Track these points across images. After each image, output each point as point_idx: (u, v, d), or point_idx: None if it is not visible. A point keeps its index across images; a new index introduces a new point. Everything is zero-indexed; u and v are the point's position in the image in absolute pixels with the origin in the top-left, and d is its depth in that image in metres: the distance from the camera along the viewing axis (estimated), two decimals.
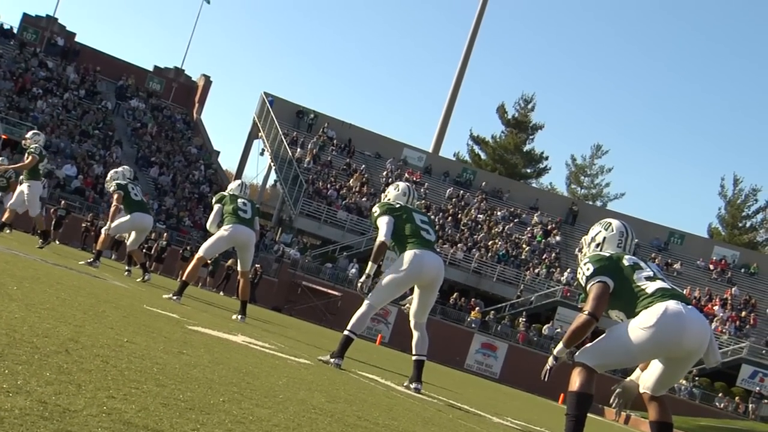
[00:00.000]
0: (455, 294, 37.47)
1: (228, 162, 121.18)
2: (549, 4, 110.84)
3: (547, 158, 64.27)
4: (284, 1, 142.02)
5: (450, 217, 43.12)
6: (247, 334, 6.95)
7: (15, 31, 44.25)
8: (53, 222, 28.92)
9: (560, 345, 4.68)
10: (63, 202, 31.13)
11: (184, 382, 2.96)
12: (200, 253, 10.21)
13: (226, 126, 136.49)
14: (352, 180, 43.68)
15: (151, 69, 48.01)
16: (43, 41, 44.02)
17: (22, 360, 2.44)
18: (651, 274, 4.73)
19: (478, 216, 44.05)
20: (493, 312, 37.14)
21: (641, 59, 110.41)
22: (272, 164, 45.14)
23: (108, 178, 13.55)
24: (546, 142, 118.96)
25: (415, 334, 7.06)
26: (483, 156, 63.44)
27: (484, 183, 46.71)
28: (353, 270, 36.60)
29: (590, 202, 59.98)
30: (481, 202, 45.11)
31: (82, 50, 45.34)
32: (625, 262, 4.74)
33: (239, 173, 51.69)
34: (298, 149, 44.01)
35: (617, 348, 4.57)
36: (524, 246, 42.59)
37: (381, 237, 6.95)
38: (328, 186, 42.36)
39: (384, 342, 31.09)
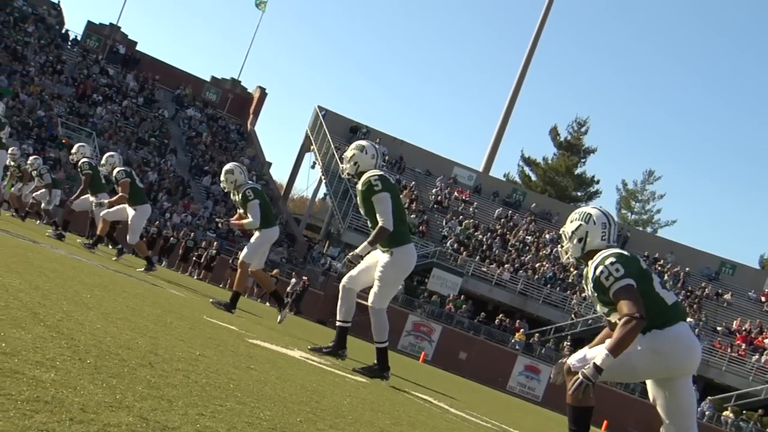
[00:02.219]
0: (500, 315, 37.29)
1: (279, 174, 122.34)
2: (606, 27, 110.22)
3: (598, 182, 63.82)
4: (341, 16, 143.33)
5: (498, 238, 42.96)
6: (302, 349, 7.04)
7: (79, 38, 45.32)
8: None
9: (605, 355, 4.23)
10: None
11: (261, 399, 3.04)
12: (245, 259, 9.63)
13: (279, 138, 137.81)
14: (401, 196, 43.76)
15: (208, 79, 48.77)
16: (105, 49, 45.00)
17: (114, 373, 2.54)
18: (660, 280, 4.59)
19: (527, 237, 43.82)
20: (537, 334, 36.85)
21: (697, 87, 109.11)
22: (322, 178, 45.46)
23: (103, 161, 13.47)
24: (597, 166, 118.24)
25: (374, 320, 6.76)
26: (533, 177, 63.17)
27: (533, 204, 46.47)
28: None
29: (640, 228, 59.29)
30: (530, 224, 44.88)
31: (143, 59, 46.24)
32: (644, 266, 4.54)
33: (290, 185, 52.19)
34: None
35: (624, 365, 4.35)
36: (572, 269, 42.23)
37: (387, 222, 6.45)
38: None
39: (427, 360, 31.05)
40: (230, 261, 31.17)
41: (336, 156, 44.05)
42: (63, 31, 44.83)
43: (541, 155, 65.87)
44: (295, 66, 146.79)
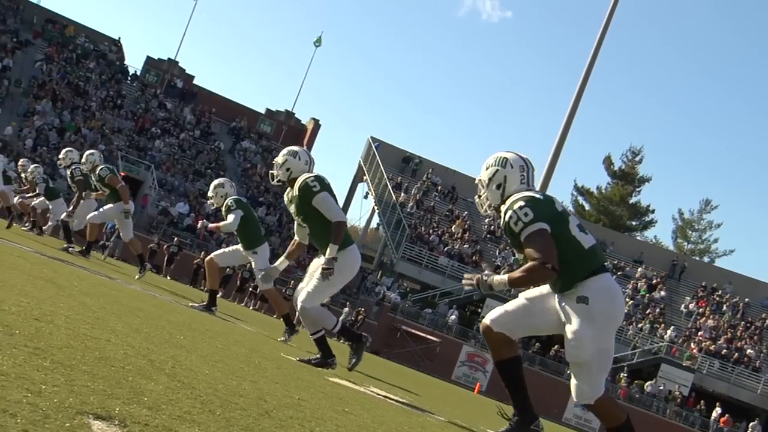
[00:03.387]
0: (555, 346, 36.94)
1: None
2: (659, 56, 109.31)
3: (653, 211, 63.08)
4: (394, 48, 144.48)
5: None
6: (374, 385, 7.14)
7: (138, 73, 46.47)
8: (165, 258, 30.03)
9: (504, 278, 4.16)
10: (175, 239, 32.26)
11: None
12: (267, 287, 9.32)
13: (332, 168, 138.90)
14: (454, 226, 43.81)
15: (263, 112, 49.56)
16: (163, 83, 46.06)
17: (244, 426, 2.66)
18: (578, 222, 4.38)
19: None
20: None
21: (754, 115, 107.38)
22: (375, 208, 45.75)
23: (84, 159, 13.13)
24: (652, 195, 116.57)
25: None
26: (587, 207, 62.70)
27: None
28: (453, 317, 36.61)
29: (697, 258, 58.35)
30: None
31: (199, 92, 47.21)
32: (559, 208, 4.32)
33: None
34: (402, 194, 44.50)
35: (601, 358, 4.16)
36: (627, 299, 41.71)
37: (338, 216, 6.33)
38: (430, 231, 42.61)
39: (482, 391, 30.86)
40: (284, 291, 31.45)
41: (389, 186, 44.35)
42: (123, 67, 46.00)
43: (594, 184, 65.47)
44: (348, 97, 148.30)
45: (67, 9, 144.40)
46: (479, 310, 38.12)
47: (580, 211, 61.58)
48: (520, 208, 4.16)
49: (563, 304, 4.20)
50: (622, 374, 35.99)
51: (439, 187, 46.75)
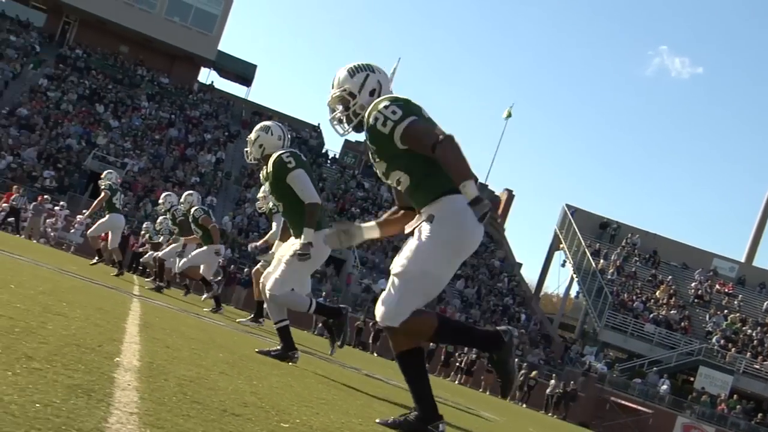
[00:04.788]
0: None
1: (529, 273, 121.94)
2: None
3: None
4: (582, 113, 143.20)
5: None
6: None
7: (337, 156, 48.87)
8: (371, 335, 30.84)
9: (470, 183, 3.36)
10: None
11: None
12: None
13: (528, 238, 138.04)
14: (658, 292, 42.30)
15: None
16: (360, 164, 48.08)
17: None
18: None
19: None
20: None
21: None
22: (574, 276, 45.03)
23: (182, 200, 13.58)
24: None
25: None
26: None
27: None
28: (664, 386, 35.12)
29: None
30: None
31: None
32: (426, 115, 3.67)
33: (540, 284, 52.04)
34: (601, 260, 43.60)
35: (426, 276, 3.48)
36: None
37: (312, 197, 5.72)
38: (634, 298, 41.34)
39: None
40: (486, 364, 31.42)
41: (588, 253, 43.60)
42: (323, 151, 48.52)
43: None
44: (540, 165, 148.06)
45: (271, 101, 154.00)
46: (692, 378, 36.35)
47: None
48: (386, 107, 3.55)
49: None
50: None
51: (639, 252, 45.43)
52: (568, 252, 45.68)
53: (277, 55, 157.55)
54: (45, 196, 27.87)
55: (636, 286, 42.43)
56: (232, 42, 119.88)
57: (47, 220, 27.60)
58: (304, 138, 47.93)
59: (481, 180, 51.86)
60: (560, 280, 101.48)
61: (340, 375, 6.31)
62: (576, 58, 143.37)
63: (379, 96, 3.81)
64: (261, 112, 48.32)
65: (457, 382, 29.38)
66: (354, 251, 39.10)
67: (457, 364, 30.61)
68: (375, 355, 27.14)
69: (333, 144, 67.60)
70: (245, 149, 6.47)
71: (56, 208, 28.81)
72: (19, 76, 41.22)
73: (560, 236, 47.12)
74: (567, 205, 47.36)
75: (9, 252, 9.70)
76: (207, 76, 68.39)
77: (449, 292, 40.56)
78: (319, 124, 50.83)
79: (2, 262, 7.28)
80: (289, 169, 5.77)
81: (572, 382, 30.28)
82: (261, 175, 6.40)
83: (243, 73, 53.16)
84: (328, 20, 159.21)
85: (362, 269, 38.71)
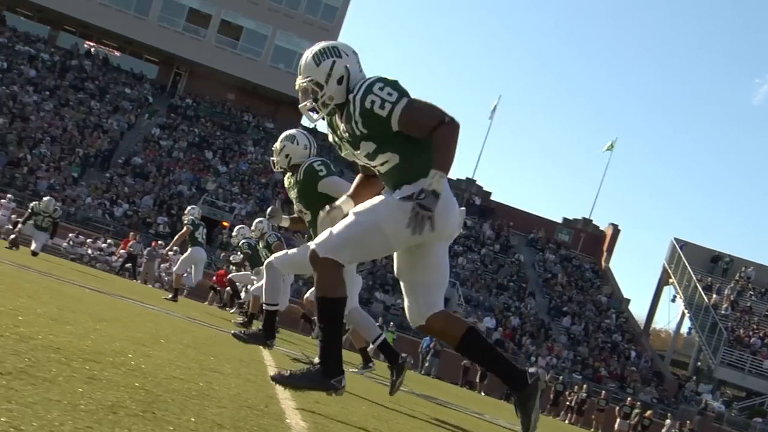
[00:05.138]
0: None
1: (638, 309, 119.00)
2: None
3: None
4: (688, 145, 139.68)
5: None
6: None
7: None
8: (478, 374, 30.63)
9: (438, 175, 3.24)
10: None
11: None
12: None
13: (635, 273, 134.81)
14: None
15: (560, 221, 49.93)
16: (463, 202, 48.12)
17: None
18: None
19: None
20: None
21: None
22: (685, 311, 43.76)
23: (252, 227, 13.50)
24: None
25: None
26: None
27: None
28: None
29: None
30: None
31: (497, 207, 48.72)
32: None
33: (649, 320, 50.75)
34: (714, 295, 42.25)
35: (373, 234, 3.41)
36: None
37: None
38: (750, 333, 39.86)
39: None
40: (596, 402, 30.75)
41: (699, 288, 42.35)
42: None
43: None
44: (646, 199, 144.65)
45: None
46: None
47: None
48: (381, 89, 3.43)
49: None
50: None
51: (754, 286, 43.84)
52: (678, 287, 44.50)
53: None
54: (159, 242, 28.93)
55: (753, 321, 40.92)
56: None
57: (161, 265, 28.61)
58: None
59: (584, 215, 51.17)
60: (670, 316, 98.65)
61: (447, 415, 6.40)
62: (680, 88, 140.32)
63: (347, 83, 3.59)
64: None
65: (567, 421, 28.85)
66: (458, 289, 39.08)
67: (567, 402, 30.08)
68: (482, 394, 26.97)
69: None
70: (271, 158, 6.49)
71: (170, 253, 29.87)
72: (133, 126, 43.16)
73: (669, 271, 45.96)
74: (676, 239, 46.25)
75: (140, 301, 10.21)
76: None
77: (555, 329, 40.02)
78: None
79: (140, 313, 7.71)
80: (321, 177, 5.86)
81: (688, 422, 29.30)
82: (285, 182, 6.42)
83: None
84: (431, 65, 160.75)
85: (467, 307, 38.60)
